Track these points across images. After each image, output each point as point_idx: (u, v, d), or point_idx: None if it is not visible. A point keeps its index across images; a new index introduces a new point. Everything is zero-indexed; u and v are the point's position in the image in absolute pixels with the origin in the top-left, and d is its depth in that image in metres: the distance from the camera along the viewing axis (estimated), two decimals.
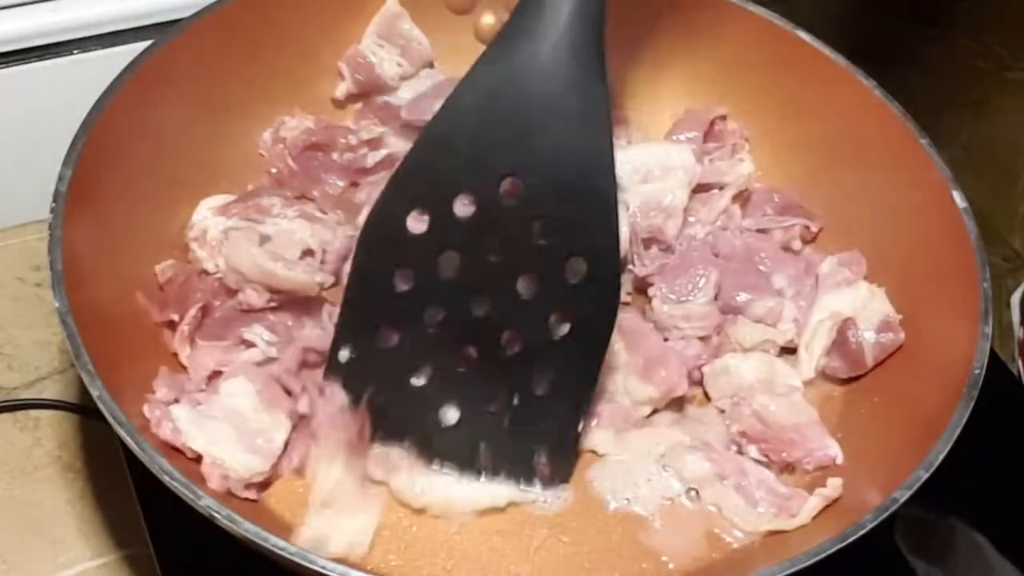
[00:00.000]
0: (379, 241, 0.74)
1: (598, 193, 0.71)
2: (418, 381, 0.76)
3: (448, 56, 0.99)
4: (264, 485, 0.76)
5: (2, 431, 0.86)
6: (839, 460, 0.81)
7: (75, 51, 0.96)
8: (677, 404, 0.83)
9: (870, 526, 0.69)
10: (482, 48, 0.97)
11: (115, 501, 0.82)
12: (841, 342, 0.85)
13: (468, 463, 0.77)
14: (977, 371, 0.75)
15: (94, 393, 0.69)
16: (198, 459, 0.74)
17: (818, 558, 0.68)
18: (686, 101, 0.98)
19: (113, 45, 0.97)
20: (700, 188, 0.92)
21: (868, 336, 0.84)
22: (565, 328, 0.74)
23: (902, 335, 0.84)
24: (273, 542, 0.65)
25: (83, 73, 0.94)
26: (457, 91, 0.72)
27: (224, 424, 0.75)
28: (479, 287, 0.74)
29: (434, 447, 0.77)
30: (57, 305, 0.72)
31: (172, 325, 0.81)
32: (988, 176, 1.05)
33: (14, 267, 0.95)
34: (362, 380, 0.76)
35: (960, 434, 0.73)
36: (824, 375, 0.86)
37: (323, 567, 0.64)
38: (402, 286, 0.74)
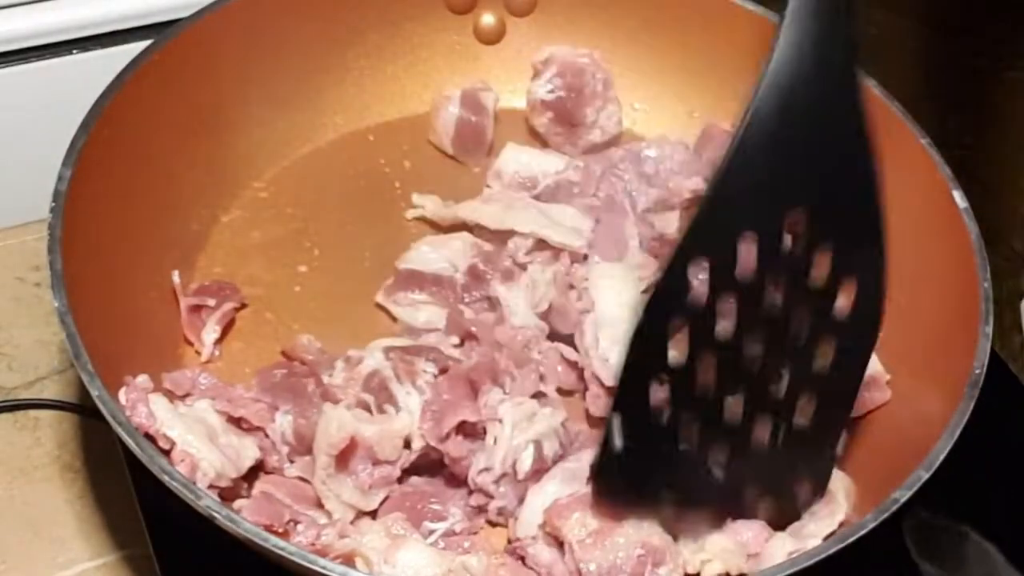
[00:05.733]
0: (662, 302, 0.68)
1: (872, 218, 0.69)
2: (688, 443, 0.71)
3: (447, 55, 0.99)
4: (222, 493, 0.74)
5: (2, 431, 0.86)
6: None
7: (75, 51, 0.96)
8: None
9: (871, 526, 0.69)
10: (482, 48, 0.96)
11: (115, 501, 0.82)
12: None
13: (735, 507, 0.74)
14: (977, 371, 0.75)
15: (94, 393, 0.69)
16: (168, 451, 0.72)
17: (818, 558, 0.68)
18: (687, 100, 0.98)
19: (113, 45, 0.97)
20: None
21: None
22: (830, 359, 0.70)
23: (888, 393, 0.82)
24: (273, 542, 0.65)
25: (83, 73, 0.94)
26: (738, 135, 0.67)
27: (200, 425, 0.74)
28: (753, 328, 0.69)
29: (696, 498, 0.73)
30: (57, 305, 0.72)
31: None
32: (988, 176, 1.05)
33: (14, 267, 0.95)
34: (641, 463, 0.71)
35: (960, 434, 0.73)
36: None
37: (323, 567, 0.64)
38: (677, 344, 0.69)
